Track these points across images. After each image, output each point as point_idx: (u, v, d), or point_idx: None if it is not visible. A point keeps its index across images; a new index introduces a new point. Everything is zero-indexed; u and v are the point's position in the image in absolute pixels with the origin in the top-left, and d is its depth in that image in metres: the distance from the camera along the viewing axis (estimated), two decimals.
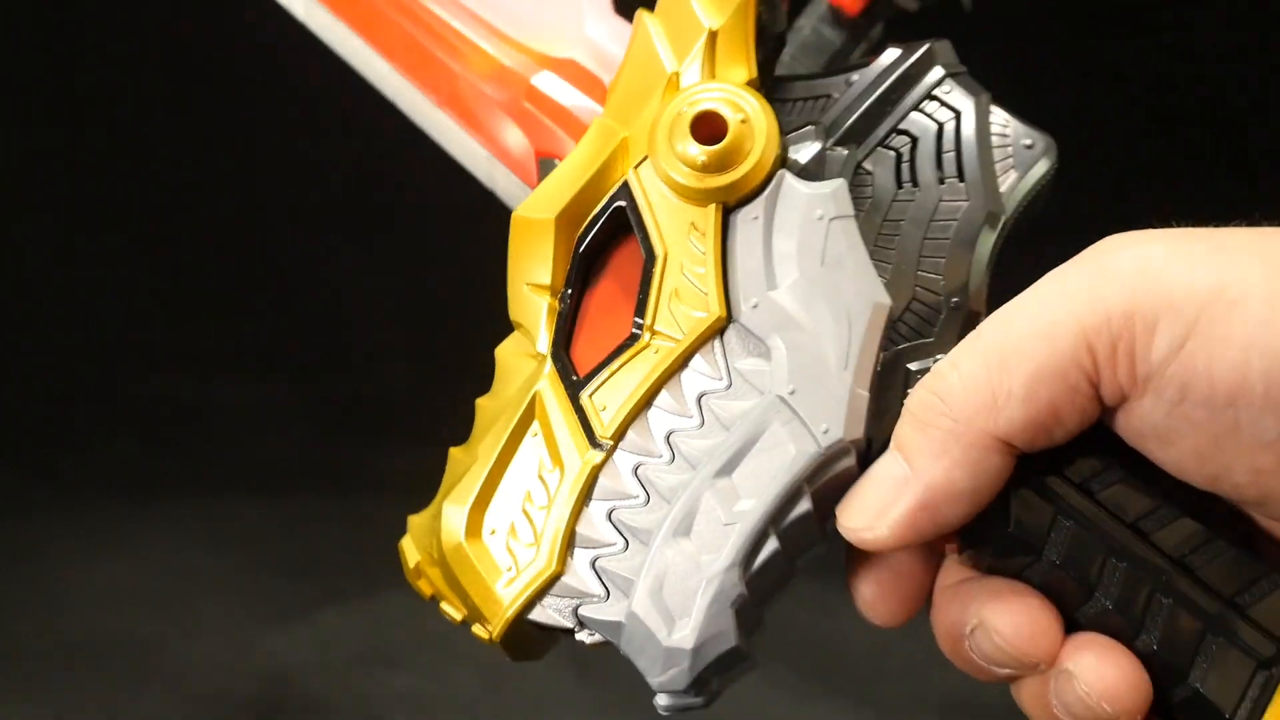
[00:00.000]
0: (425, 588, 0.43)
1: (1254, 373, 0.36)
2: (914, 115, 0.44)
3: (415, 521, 0.44)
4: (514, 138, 0.48)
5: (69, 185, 1.31)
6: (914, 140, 0.44)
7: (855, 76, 0.45)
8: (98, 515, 1.02)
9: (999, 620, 0.39)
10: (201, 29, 1.34)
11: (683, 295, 0.42)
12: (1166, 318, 0.36)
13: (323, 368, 1.27)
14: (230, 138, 1.19)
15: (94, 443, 1.16)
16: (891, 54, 0.45)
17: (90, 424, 1.18)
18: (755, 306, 0.42)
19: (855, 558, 0.42)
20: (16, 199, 1.32)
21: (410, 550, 0.44)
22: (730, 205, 0.43)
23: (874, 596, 0.41)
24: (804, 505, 0.40)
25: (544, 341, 0.44)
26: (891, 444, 0.40)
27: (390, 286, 1.16)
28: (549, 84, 0.48)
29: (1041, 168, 0.44)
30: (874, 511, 0.39)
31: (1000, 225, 0.43)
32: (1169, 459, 0.38)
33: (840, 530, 0.40)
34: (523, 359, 0.44)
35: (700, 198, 0.43)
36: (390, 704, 0.74)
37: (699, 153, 0.42)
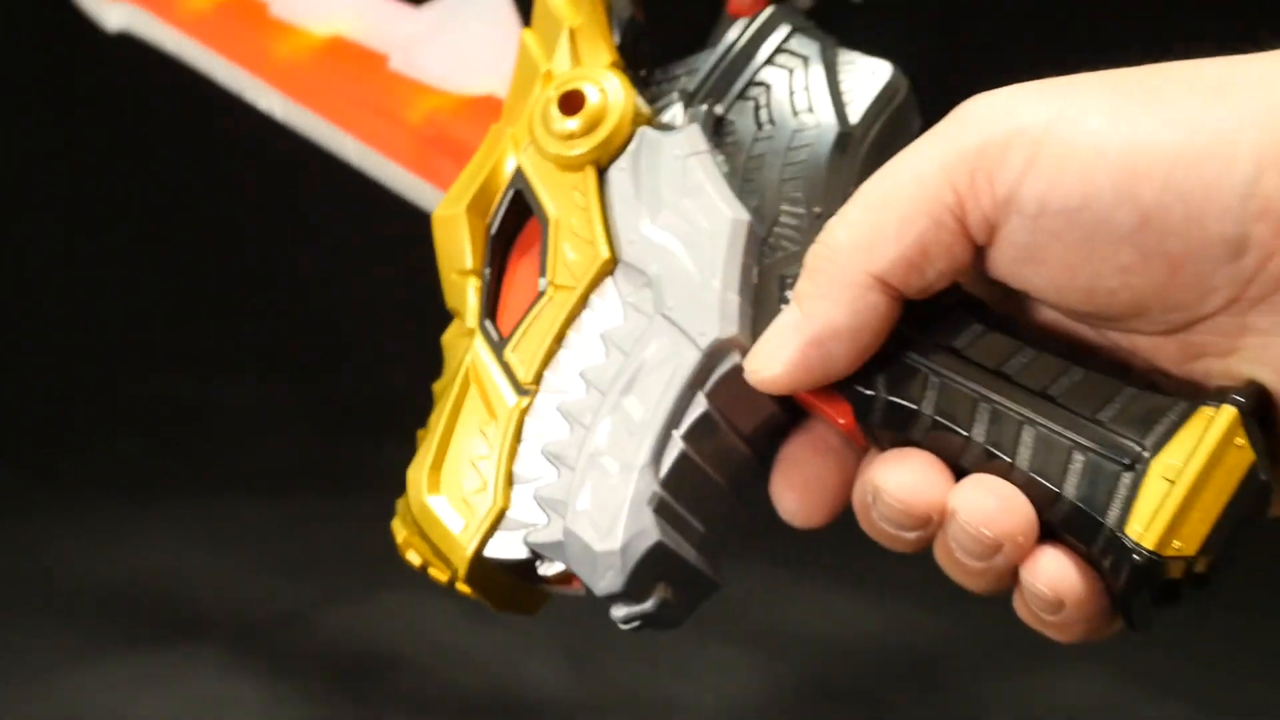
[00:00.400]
0: (415, 558, 0.48)
1: (1099, 173, 0.40)
2: (767, 68, 0.50)
3: (400, 503, 0.49)
4: (450, 170, 0.55)
5: (69, 185, 1.31)
6: (768, 88, 0.50)
7: (717, 47, 0.51)
8: (98, 515, 1.02)
9: (887, 481, 0.43)
10: None
11: (574, 248, 0.48)
12: (1015, 141, 0.41)
13: (323, 368, 1.27)
14: (230, 138, 1.19)
15: (94, 443, 1.16)
16: (742, 22, 0.51)
17: (90, 424, 1.18)
18: (632, 243, 0.47)
19: (776, 472, 0.46)
20: (16, 199, 1.32)
21: (399, 528, 0.49)
22: (604, 165, 0.49)
23: (796, 501, 0.46)
24: (700, 406, 0.45)
25: (473, 316, 0.50)
26: (789, 295, 0.45)
27: (390, 286, 1.16)
28: (470, 122, 0.56)
29: (877, 83, 0.49)
30: (770, 352, 0.44)
31: (851, 142, 0.48)
32: (1046, 279, 0.42)
33: (746, 378, 0.44)
34: (461, 338, 0.50)
35: (576, 164, 0.49)
36: (390, 704, 0.74)
37: (566, 124, 0.49)
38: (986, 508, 0.41)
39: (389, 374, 1.25)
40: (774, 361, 0.44)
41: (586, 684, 0.79)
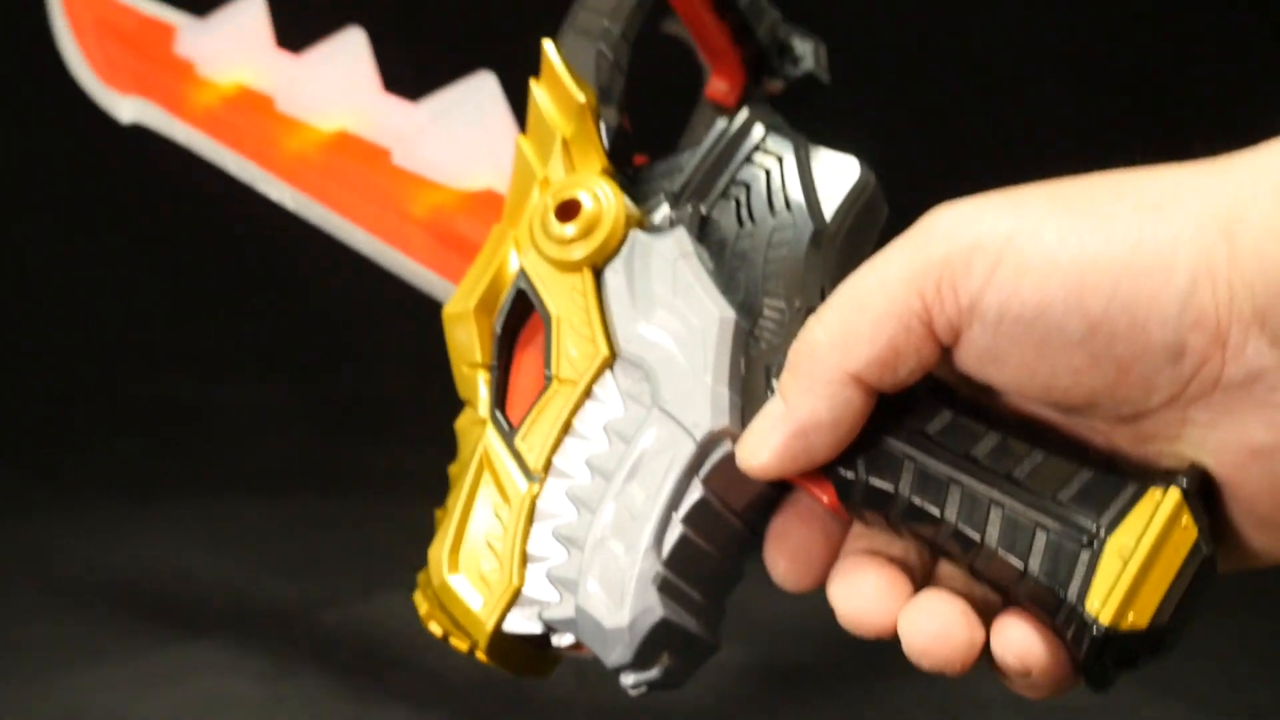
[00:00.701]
0: (436, 629, 0.53)
1: (1052, 285, 0.43)
2: (745, 168, 0.54)
3: (420, 577, 0.53)
4: (457, 263, 0.60)
5: (69, 185, 1.31)
6: (748, 187, 0.53)
7: (699, 148, 0.55)
8: (98, 515, 1.02)
9: (839, 602, 0.47)
10: None
11: (576, 345, 0.52)
12: (977, 255, 0.44)
13: (323, 368, 1.27)
14: None
15: (94, 443, 1.16)
16: (721, 124, 0.55)
17: (91, 424, 1.18)
18: (629, 340, 0.51)
19: (769, 539, 0.50)
20: (16, 199, 1.32)
21: (420, 601, 0.53)
22: (599, 267, 0.53)
23: (786, 568, 0.50)
24: (696, 492, 0.49)
25: (484, 407, 0.53)
26: (775, 385, 0.49)
27: (390, 286, 1.16)
28: (473, 217, 0.60)
29: (848, 180, 0.53)
30: (756, 442, 0.48)
31: (826, 238, 0.52)
32: (1007, 378, 0.46)
33: (737, 464, 0.48)
34: (473, 426, 0.54)
35: (574, 266, 0.53)
36: (390, 704, 0.74)
37: (564, 230, 0.53)
38: (928, 632, 0.45)
39: (389, 374, 1.25)
40: (762, 450, 0.47)
41: (587, 684, 0.79)
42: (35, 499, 1.06)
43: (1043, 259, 0.44)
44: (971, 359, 0.46)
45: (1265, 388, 0.43)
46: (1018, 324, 0.44)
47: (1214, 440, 0.44)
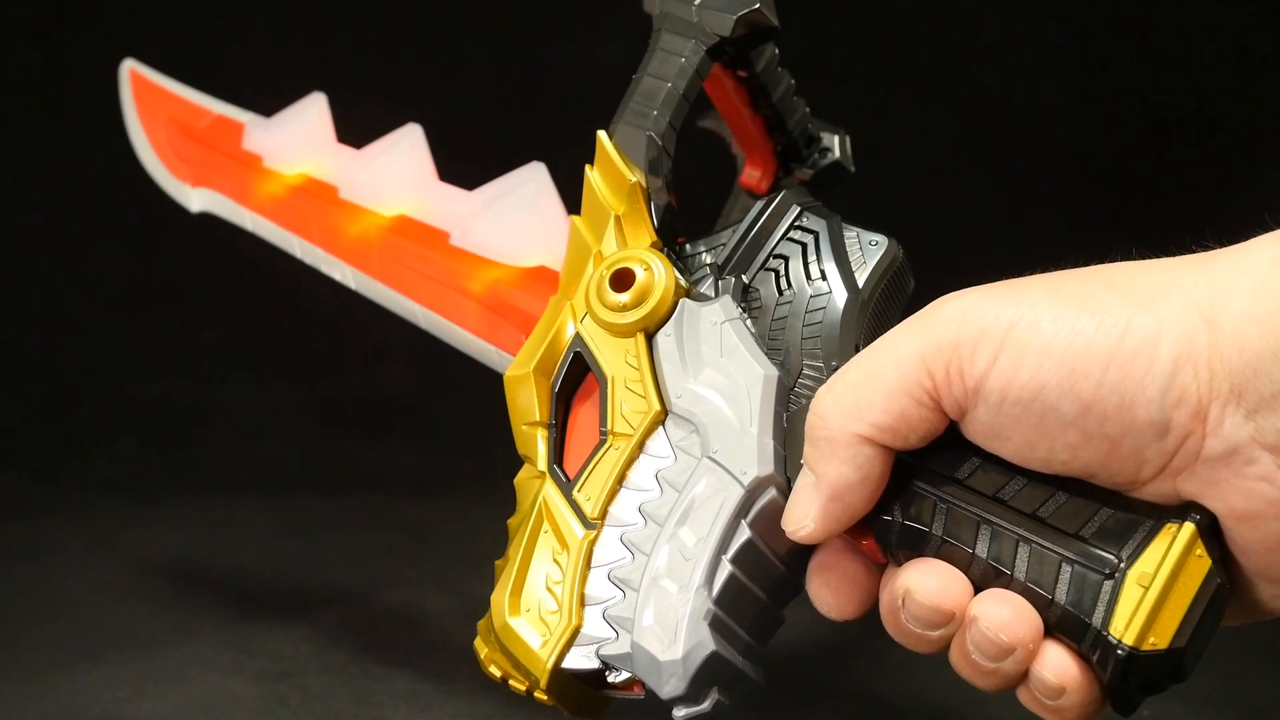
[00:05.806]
0: (496, 671, 0.56)
1: (1047, 372, 0.48)
2: (783, 243, 0.59)
3: (481, 625, 0.57)
4: (511, 334, 0.64)
5: (69, 185, 1.31)
6: (786, 260, 0.58)
7: (739, 225, 0.59)
8: (98, 516, 1.02)
9: (917, 583, 0.50)
10: (203, 29, 1.34)
11: (629, 403, 0.56)
12: (982, 343, 0.48)
13: (323, 368, 1.27)
14: None
15: (94, 444, 1.16)
16: (760, 204, 0.60)
17: (91, 425, 1.18)
18: (680, 397, 0.56)
19: (812, 571, 0.54)
20: (16, 199, 1.32)
21: (480, 647, 0.56)
22: (651, 331, 0.57)
23: (830, 598, 0.53)
24: (744, 534, 0.53)
25: (543, 462, 0.57)
26: (802, 462, 0.52)
27: None
28: (527, 291, 0.64)
29: (878, 253, 0.58)
30: (800, 514, 0.52)
31: (859, 304, 0.57)
32: (1010, 451, 0.50)
33: (787, 536, 0.52)
34: (532, 480, 0.57)
35: (628, 331, 0.57)
36: (390, 704, 0.74)
37: (619, 298, 0.57)
38: (1004, 616, 0.49)
39: (388, 374, 1.25)
40: (807, 521, 0.51)
41: None
42: (35, 500, 1.06)
43: (1040, 347, 0.48)
44: (977, 433, 0.50)
45: (1241, 460, 0.47)
46: (1017, 405, 0.48)
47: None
